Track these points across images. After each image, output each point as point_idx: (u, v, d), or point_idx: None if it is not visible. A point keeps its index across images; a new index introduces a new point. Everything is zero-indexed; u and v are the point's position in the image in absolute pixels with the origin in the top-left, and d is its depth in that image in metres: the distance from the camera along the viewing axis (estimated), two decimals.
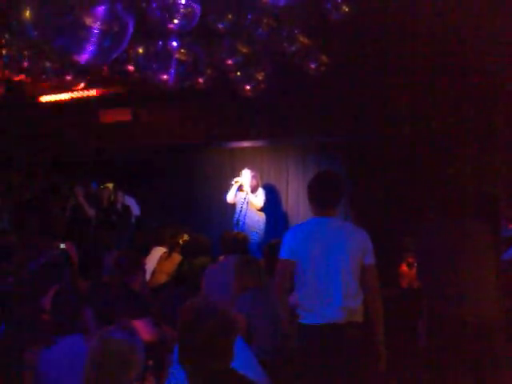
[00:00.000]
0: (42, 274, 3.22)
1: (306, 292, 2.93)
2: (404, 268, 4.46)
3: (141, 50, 4.16)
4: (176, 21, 3.34)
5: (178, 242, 5.19)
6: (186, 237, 5.24)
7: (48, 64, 4.25)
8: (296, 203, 6.90)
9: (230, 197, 6.46)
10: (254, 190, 6.41)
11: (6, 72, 4.35)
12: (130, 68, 4.56)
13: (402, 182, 5.64)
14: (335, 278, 2.89)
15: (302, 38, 3.73)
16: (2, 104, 5.02)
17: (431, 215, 4.20)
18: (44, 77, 4.42)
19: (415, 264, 4.26)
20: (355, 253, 2.92)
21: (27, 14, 3.32)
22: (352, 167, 6.13)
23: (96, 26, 3.62)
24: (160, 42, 3.89)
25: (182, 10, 3.31)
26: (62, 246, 5.03)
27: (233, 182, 6.40)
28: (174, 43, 3.87)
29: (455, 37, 4.06)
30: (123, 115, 7.12)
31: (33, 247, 4.93)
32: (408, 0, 3.60)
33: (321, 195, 3.04)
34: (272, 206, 6.79)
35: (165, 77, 4.26)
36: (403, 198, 5.59)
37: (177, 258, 4.84)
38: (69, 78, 4.47)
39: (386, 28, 4.19)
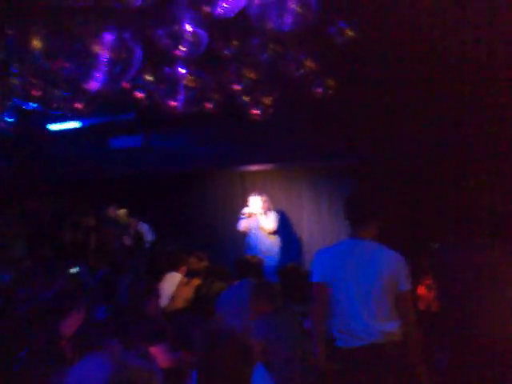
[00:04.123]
0: (59, 301, 3.23)
1: (341, 315, 2.86)
2: (422, 290, 4.37)
3: (149, 77, 4.21)
4: (183, 48, 3.37)
5: (195, 269, 5.16)
6: (201, 261, 5.21)
7: (58, 92, 4.31)
8: (309, 226, 6.88)
9: (242, 226, 6.46)
10: (265, 213, 6.42)
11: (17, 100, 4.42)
12: (139, 95, 4.60)
13: (418, 203, 5.58)
14: (368, 303, 2.82)
15: (308, 63, 3.75)
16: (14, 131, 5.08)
17: (449, 237, 4.13)
18: (54, 105, 4.47)
19: (433, 286, 4.18)
20: (389, 278, 2.85)
21: (37, 43, 3.38)
22: (364, 189, 6.08)
23: (104, 54, 3.67)
24: (168, 69, 3.93)
25: (188, 38, 3.35)
26: (75, 270, 5.04)
27: (242, 215, 6.41)
28: (182, 70, 3.91)
29: (464, 52, 4.05)
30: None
31: (48, 273, 4.94)
32: (409, 22, 3.62)
33: (352, 215, 3.00)
34: (285, 229, 6.78)
35: (173, 103, 4.29)
36: (419, 219, 5.51)
37: (196, 283, 4.81)
38: (79, 105, 4.51)
39: (391, 48, 4.19)
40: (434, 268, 3.67)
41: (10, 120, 4.91)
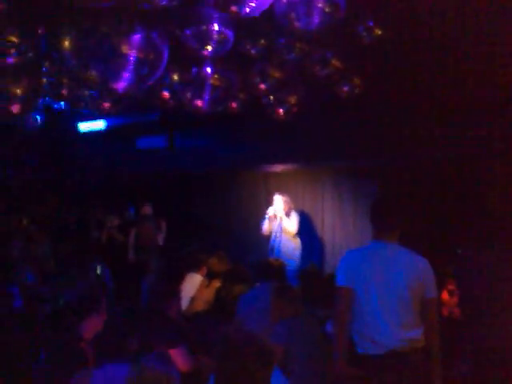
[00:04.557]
0: (81, 302, 3.24)
1: (364, 320, 2.81)
2: (445, 296, 4.31)
3: (176, 77, 4.24)
4: (210, 47, 3.39)
5: (216, 270, 5.14)
6: (222, 262, 5.19)
7: (86, 92, 4.38)
8: (332, 228, 6.80)
9: (265, 228, 6.44)
10: (286, 214, 6.38)
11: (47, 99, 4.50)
12: (165, 95, 4.65)
13: (441, 206, 5.48)
14: (394, 309, 2.77)
15: (334, 62, 3.73)
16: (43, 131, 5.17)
17: (473, 242, 4.06)
18: (83, 104, 4.55)
19: (456, 292, 4.12)
20: (416, 284, 2.80)
21: (66, 43, 3.44)
22: (389, 190, 6.00)
23: (132, 54, 3.71)
24: (194, 69, 3.96)
25: (215, 37, 3.37)
26: (98, 271, 5.09)
27: (266, 216, 6.39)
28: (208, 69, 3.93)
29: (491, 57, 3.98)
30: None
31: (72, 274, 5.00)
32: (439, 21, 3.56)
33: (378, 219, 2.96)
34: (307, 231, 6.71)
35: (199, 102, 4.31)
36: (443, 222, 5.42)
37: (216, 285, 4.78)
38: (106, 105, 4.58)
39: (419, 47, 4.14)
40: (458, 273, 3.60)
41: (39, 119, 5.00)
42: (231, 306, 4.04)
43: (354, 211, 6.55)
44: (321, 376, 3.19)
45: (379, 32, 3.57)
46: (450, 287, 4.21)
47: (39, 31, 3.53)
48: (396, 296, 2.77)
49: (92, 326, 2.96)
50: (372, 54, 3.94)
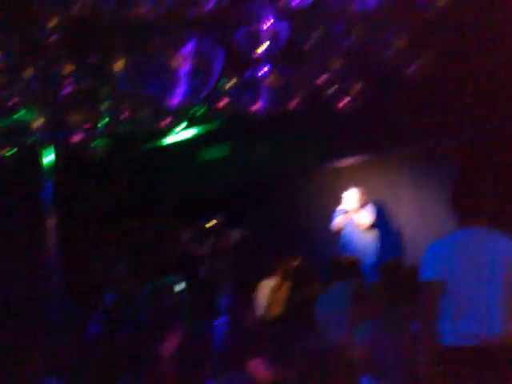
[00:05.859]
0: (161, 321, 3.23)
1: (453, 313, 2.61)
2: None
3: (230, 83, 4.14)
4: (263, 46, 3.26)
5: (289, 271, 5.05)
6: (295, 263, 5.08)
7: (146, 111, 4.37)
8: (410, 218, 6.47)
9: (338, 224, 6.24)
10: (360, 208, 6.16)
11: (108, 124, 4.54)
12: (222, 103, 4.56)
13: None
14: (487, 300, 2.56)
15: (396, 41, 3.48)
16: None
17: None
18: (143, 124, 4.55)
19: None
20: (510, 272, 2.56)
21: (119, 65, 3.42)
22: (471, 173, 5.59)
23: (184, 67, 3.65)
24: (249, 71, 3.84)
25: (267, 34, 3.23)
26: (177, 287, 5.04)
27: (339, 211, 6.19)
28: (264, 69, 3.79)
29: None
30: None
31: (150, 292, 5.01)
32: None
33: (462, 204, 2.74)
34: (383, 223, 6.44)
35: (257, 105, 4.20)
36: None
37: (289, 287, 4.69)
38: (167, 122, 4.56)
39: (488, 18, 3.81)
40: None
41: (102, 144, 5.06)
42: (306, 308, 3.93)
43: (434, 199, 6.19)
44: (409, 376, 2.96)
45: (442, 2, 3.27)
46: None
47: (92, 57, 3.54)
48: (491, 285, 2.57)
49: (173, 343, 2.94)
50: (438, 28, 3.63)
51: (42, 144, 5.14)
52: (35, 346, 2.74)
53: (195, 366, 3.05)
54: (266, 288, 4.98)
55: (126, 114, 4.51)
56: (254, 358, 3.11)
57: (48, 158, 5.38)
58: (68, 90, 3.89)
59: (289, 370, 2.94)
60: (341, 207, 6.22)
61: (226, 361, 3.13)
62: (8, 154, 5.16)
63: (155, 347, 2.92)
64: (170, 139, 6.90)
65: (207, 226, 7.51)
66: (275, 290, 4.83)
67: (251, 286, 5.10)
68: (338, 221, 6.25)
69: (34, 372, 2.63)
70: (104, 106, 4.35)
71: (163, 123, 4.39)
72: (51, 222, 5.59)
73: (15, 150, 5.04)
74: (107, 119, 4.58)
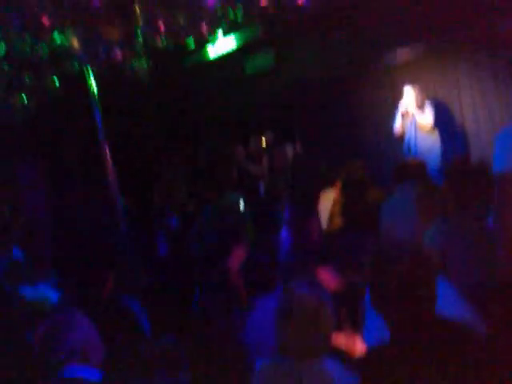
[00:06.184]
0: (225, 237, 3.22)
1: None
2: None
3: None
4: None
5: (350, 180, 4.86)
6: (355, 171, 4.87)
7: (181, 19, 4.13)
8: (474, 116, 6.04)
9: (397, 127, 5.90)
10: (419, 108, 5.77)
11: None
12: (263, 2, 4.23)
13: None
14: None
15: None
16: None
17: None
18: (182, 33, 4.32)
19: None
20: None
21: None
22: None
23: None
24: None
25: None
26: (239, 204, 5.00)
27: (397, 113, 5.86)
28: None
29: None
30: None
31: (212, 213, 4.98)
32: None
33: None
34: (445, 124, 6.05)
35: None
36: None
37: (351, 195, 4.53)
38: (204, 29, 4.30)
39: None
40: None
41: (143, 63, 4.90)
42: (370, 214, 3.86)
43: (496, 89, 5.70)
44: (483, 278, 2.81)
45: None
46: None
47: None
48: None
49: (238, 256, 2.93)
50: None
51: (84, 68, 5.01)
52: (111, 269, 2.77)
53: (262, 277, 3.02)
54: (327, 198, 4.86)
55: (162, 26, 4.30)
56: (321, 266, 3.07)
57: (93, 85, 5.25)
58: (98, 4, 3.69)
59: (357, 277, 2.87)
60: (399, 108, 5.86)
61: (293, 271, 3.09)
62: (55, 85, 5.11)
63: (223, 262, 2.93)
64: (211, 51, 6.62)
65: (260, 144, 7.37)
66: (336, 202, 4.72)
67: (313, 198, 4.99)
68: (397, 123, 5.92)
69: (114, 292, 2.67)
70: (138, 19, 4.14)
71: (201, 29, 4.14)
72: (106, 149, 5.49)
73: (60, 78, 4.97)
74: (144, 34, 4.39)
